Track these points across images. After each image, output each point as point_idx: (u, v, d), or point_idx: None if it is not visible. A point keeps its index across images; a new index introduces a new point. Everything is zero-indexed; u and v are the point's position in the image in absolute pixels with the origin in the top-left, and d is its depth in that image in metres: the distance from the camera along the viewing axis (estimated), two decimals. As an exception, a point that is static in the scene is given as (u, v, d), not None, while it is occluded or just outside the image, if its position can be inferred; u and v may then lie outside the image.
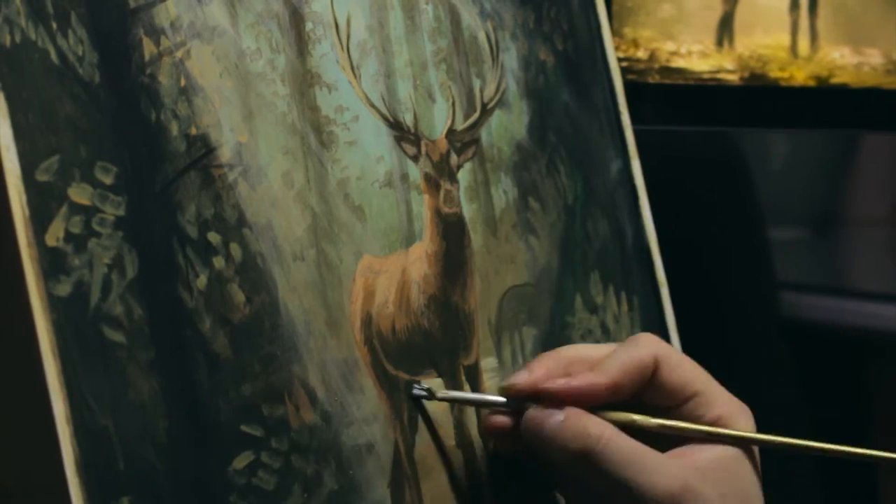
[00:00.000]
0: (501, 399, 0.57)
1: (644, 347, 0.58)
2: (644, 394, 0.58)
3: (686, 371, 0.58)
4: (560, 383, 0.56)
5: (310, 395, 0.53)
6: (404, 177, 0.59)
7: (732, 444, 0.57)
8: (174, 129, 0.51)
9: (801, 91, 0.91)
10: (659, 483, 0.54)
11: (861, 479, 1.22)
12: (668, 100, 0.85)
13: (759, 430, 0.58)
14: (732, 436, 0.57)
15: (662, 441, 0.57)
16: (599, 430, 0.55)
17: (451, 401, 0.58)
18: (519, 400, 0.57)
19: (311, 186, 0.55)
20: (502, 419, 0.57)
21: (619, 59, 0.76)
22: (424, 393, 0.57)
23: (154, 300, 0.49)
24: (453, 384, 0.59)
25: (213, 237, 0.51)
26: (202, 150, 0.52)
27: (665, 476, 0.54)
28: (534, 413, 0.56)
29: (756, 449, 0.58)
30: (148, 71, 0.50)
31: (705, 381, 0.58)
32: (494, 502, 0.59)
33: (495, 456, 0.60)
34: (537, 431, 0.56)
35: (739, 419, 0.58)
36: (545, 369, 0.57)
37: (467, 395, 0.59)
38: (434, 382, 0.58)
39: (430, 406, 0.58)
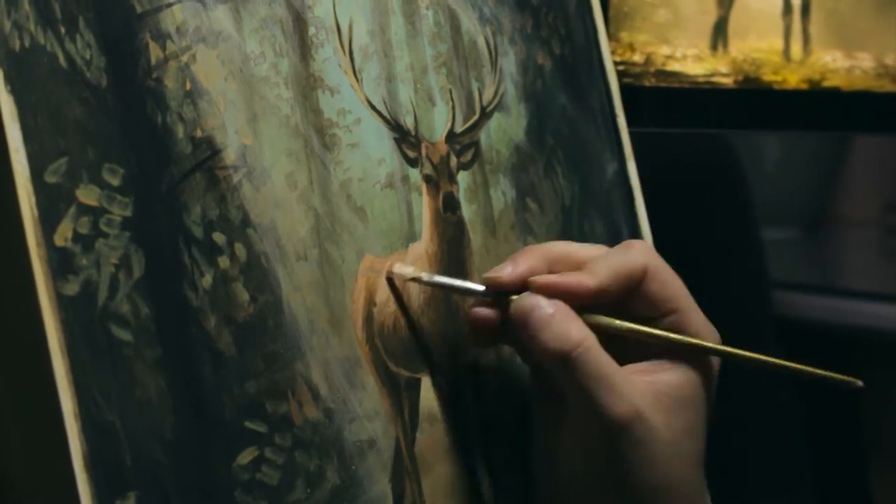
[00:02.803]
0: (482, 288, 0.56)
1: (637, 255, 0.56)
2: (626, 301, 0.56)
3: (672, 286, 0.56)
4: (548, 279, 0.54)
5: (313, 392, 0.53)
6: (405, 178, 0.60)
7: (694, 359, 0.55)
8: (180, 131, 0.51)
9: (794, 94, 0.91)
10: (616, 406, 0.53)
11: (853, 474, 1.22)
12: (664, 103, 0.86)
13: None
14: (693, 345, 0.56)
15: (631, 353, 0.56)
16: (580, 337, 0.53)
17: (435, 285, 0.57)
18: (501, 293, 0.55)
19: (314, 188, 0.56)
20: (485, 312, 0.55)
21: (616, 63, 0.76)
22: (409, 271, 0.56)
23: (160, 299, 0.49)
24: (453, 382, 0.60)
25: (218, 237, 0.52)
26: (207, 152, 0.52)
27: (622, 400, 0.53)
28: (527, 300, 0.54)
29: (714, 380, 0.57)
30: (154, 75, 0.51)
31: (686, 301, 0.57)
32: (494, 497, 0.60)
33: (495, 450, 0.60)
34: (523, 319, 0.54)
35: (708, 342, 0.56)
36: (529, 265, 0.55)
37: (452, 280, 0.57)
38: (434, 380, 0.59)
39: (430, 400, 0.58)
